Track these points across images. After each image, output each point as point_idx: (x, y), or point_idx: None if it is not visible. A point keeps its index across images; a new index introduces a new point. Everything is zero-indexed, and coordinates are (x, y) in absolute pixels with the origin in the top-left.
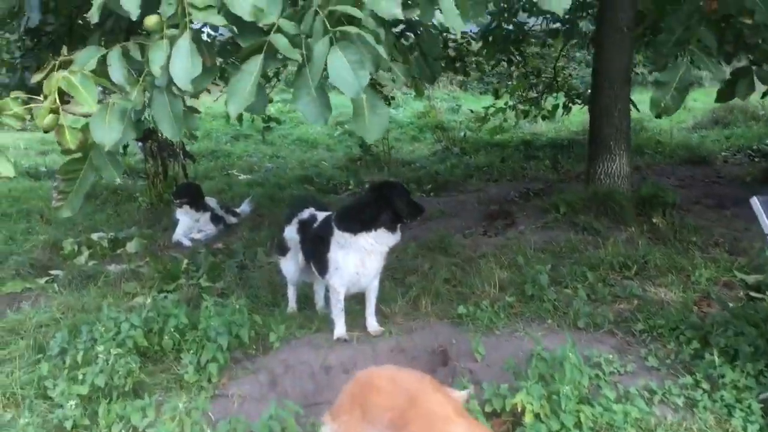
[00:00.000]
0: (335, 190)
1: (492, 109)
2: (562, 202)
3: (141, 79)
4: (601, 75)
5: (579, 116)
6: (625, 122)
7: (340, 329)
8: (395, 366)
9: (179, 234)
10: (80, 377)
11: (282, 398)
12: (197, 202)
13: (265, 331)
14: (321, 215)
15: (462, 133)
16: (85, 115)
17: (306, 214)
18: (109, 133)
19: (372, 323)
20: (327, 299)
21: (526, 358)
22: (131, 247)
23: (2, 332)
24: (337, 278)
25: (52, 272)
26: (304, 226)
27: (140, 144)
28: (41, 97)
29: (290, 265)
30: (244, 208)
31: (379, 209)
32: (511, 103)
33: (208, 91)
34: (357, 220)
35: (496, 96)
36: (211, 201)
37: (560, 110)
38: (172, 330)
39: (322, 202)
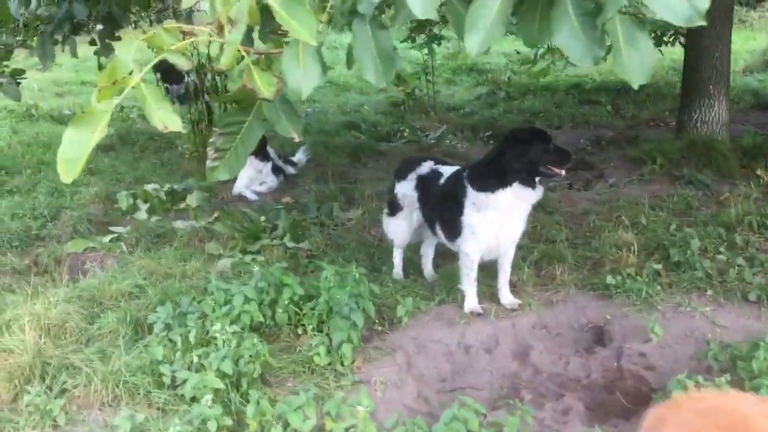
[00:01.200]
0: (388, 138)
1: (542, 50)
2: (656, 152)
3: (328, 5)
4: None
5: None
6: (725, 65)
7: (471, 301)
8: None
9: (240, 186)
10: (195, 360)
11: (419, 383)
12: (261, 151)
13: (381, 303)
14: (447, 170)
15: (506, 77)
16: (264, 53)
17: (426, 168)
18: (305, 76)
19: (507, 295)
20: (437, 266)
21: (708, 342)
22: (192, 200)
23: (81, 302)
24: (472, 244)
25: (113, 229)
26: (425, 183)
27: (175, 85)
28: (205, 28)
29: (401, 226)
30: (300, 157)
31: (516, 160)
32: None
33: None
34: (493, 176)
35: None
36: (269, 150)
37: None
38: (287, 303)
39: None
